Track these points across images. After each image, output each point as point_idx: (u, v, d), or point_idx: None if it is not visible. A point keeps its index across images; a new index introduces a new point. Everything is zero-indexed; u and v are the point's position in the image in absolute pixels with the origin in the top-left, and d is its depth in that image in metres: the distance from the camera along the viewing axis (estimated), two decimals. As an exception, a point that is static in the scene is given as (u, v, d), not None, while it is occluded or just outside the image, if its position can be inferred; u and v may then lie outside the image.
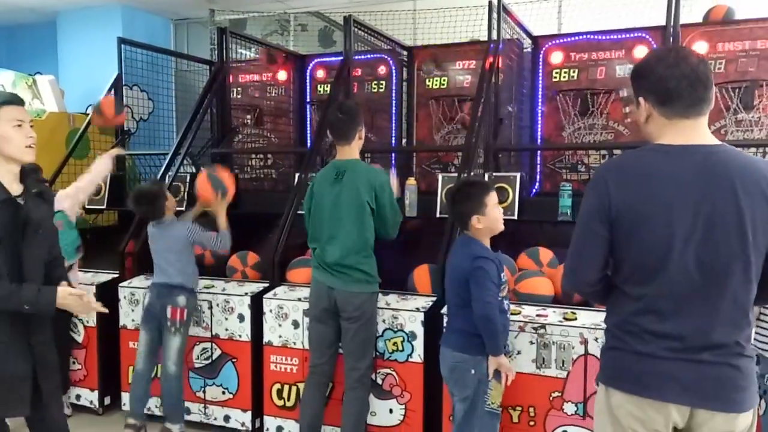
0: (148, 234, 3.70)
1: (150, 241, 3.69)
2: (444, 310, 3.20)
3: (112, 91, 5.42)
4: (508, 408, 3.09)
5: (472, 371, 2.68)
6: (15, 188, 2.29)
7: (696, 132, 1.73)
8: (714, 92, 1.74)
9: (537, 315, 3.11)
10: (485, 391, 2.70)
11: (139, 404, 3.63)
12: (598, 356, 2.85)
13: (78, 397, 4.11)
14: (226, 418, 3.77)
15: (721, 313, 1.68)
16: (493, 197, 2.79)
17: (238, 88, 5.57)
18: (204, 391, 3.78)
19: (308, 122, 5.46)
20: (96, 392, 4.07)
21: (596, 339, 2.91)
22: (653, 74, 1.74)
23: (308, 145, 5.13)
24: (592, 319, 2.99)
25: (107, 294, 3.85)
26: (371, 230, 3.18)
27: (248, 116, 5.54)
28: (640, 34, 4.28)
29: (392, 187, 3.26)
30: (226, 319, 3.71)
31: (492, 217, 2.76)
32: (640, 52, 4.22)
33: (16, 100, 2.34)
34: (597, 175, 1.82)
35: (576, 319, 3.02)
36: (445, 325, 3.05)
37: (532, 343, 3.02)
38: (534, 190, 4.49)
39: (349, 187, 3.15)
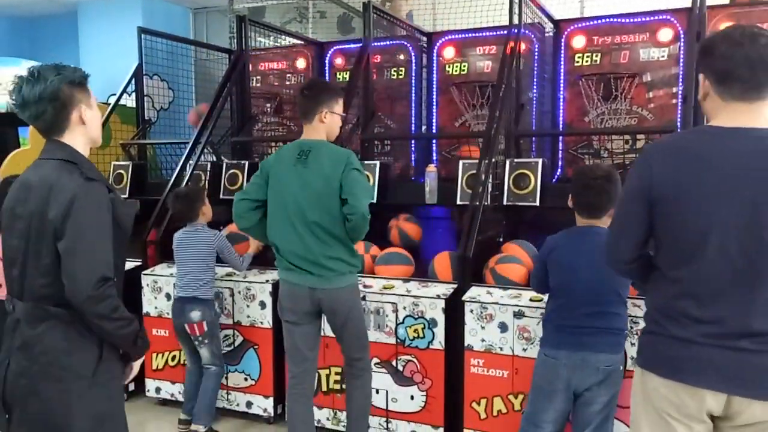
0: (175, 241, 3.68)
1: (176, 248, 3.67)
2: (468, 296, 3.19)
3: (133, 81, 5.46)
4: (518, 394, 3.06)
5: (621, 368, 2.61)
6: None
7: (751, 115, 1.67)
8: None
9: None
10: None
11: (190, 401, 3.68)
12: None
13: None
14: (249, 404, 3.80)
15: (761, 301, 1.64)
16: None
17: (258, 77, 5.57)
18: (226, 378, 3.81)
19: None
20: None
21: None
22: (716, 51, 1.69)
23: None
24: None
25: (130, 282, 3.89)
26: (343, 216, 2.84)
27: (268, 104, 5.55)
28: (664, 17, 4.19)
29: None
30: (248, 306, 3.73)
31: None
32: (665, 35, 4.14)
33: None
34: (642, 155, 1.81)
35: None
36: (545, 322, 2.72)
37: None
38: (556, 176, 4.44)
39: (314, 169, 2.83)
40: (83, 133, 1.94)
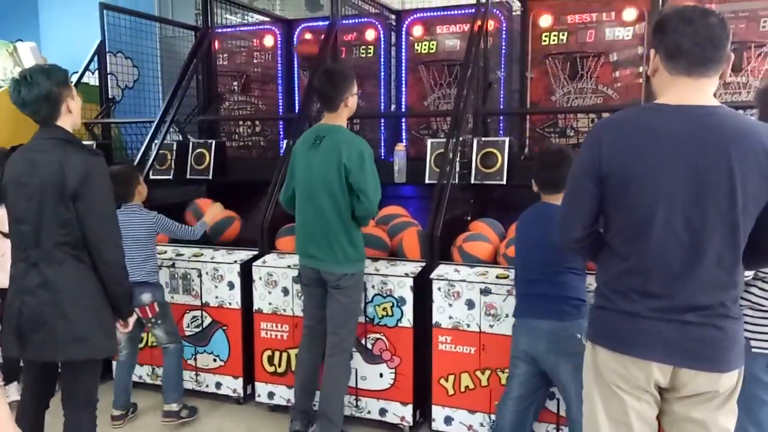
0: None
1: None
2: (436, 274, 3.22)
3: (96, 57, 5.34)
4: (497, 370, 3.12)
5: (578, 335, 2.57)
6: None
7: (696, 92, 1.71)
8: (726, 54, 1.71)
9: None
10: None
11: (122, 395, 3.54)
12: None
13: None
14: (218, 385, 3.79)
15: (706, 274, 1.68)
16: None
17: (225, 54, 5.49)
18: (195, 359, 3.80)
19: (296, 88, 5.40)
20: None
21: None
22: (668, 27, 1.72)
23: (296, 110, 5.08)
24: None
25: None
26: (348, 203, 3.00)
27: (235, 83, 5.48)
28: (630, -4, 4.22)
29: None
30: (216, 287, 3.71)
31: None
32: (630, 14, 4.17)
33: None
34: (592, 132, 1.83)
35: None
36: (514, 294, 2.81)
37: (520, 306, 3.04)
38: (523, 155, 4.48)
39: (324, 155, 2.99)
40: (70, 120, 2.44)
